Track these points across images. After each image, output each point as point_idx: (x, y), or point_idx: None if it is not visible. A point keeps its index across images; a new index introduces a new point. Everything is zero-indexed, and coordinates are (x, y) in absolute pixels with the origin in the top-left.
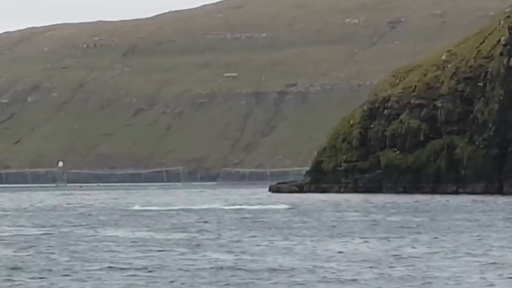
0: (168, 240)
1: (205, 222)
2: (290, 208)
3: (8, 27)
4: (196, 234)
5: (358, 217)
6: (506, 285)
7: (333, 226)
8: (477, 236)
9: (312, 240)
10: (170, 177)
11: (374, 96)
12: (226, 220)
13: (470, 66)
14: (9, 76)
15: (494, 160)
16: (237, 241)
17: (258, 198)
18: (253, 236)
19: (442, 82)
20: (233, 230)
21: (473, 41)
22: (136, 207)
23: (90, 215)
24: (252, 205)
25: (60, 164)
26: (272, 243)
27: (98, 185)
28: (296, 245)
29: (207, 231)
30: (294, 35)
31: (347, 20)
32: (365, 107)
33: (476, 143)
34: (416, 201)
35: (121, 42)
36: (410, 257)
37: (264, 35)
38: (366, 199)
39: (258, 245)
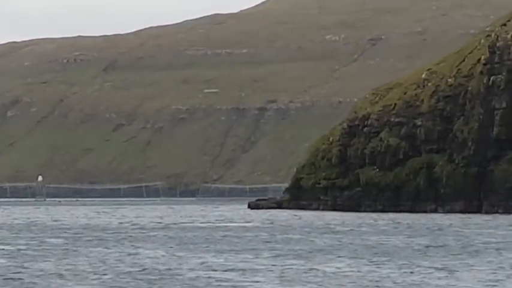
0: None
1: None
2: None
3: None
4: None
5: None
6: None
7: None
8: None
9: None
10: (150, 193)
11: (354, 114)
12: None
13: (450, 85)
14: None
15: (473, 179)
16: None
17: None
18: None
19: (422, 100)
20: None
21: (453, 60)
22: None
23: None
24: None
25: (40, 178)
26: None
27: (77, 200)
28: None
29: None
30: (274, 51)
31: (328, 37)
32: (345, 124)
33: (456, 161)
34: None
35: (101, 58)
36: None
37: (244, 51)
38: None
39: None
